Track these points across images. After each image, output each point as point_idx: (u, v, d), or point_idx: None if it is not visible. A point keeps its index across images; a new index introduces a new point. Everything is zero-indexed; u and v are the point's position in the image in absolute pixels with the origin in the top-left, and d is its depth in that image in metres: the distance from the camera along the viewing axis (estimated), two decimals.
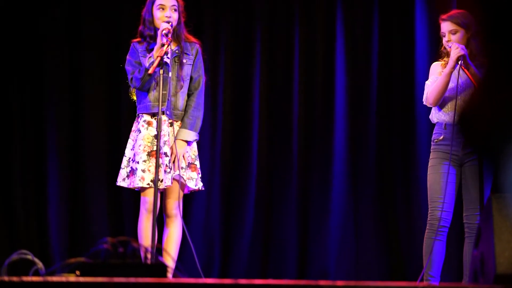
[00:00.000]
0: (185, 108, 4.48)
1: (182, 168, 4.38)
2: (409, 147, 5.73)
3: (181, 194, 4.42)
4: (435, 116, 4.55)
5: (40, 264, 2.77)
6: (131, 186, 4.39)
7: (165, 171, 4.28)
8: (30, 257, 2.80)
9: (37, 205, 5.71)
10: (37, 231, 5.69)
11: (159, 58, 4.10)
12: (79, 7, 5.84)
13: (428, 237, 4.42)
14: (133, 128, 4.50)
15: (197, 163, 4.49)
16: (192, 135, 4.44)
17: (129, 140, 4.48)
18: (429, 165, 4.50)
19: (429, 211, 4.44)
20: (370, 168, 5.79)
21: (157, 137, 4.06)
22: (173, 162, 4.37)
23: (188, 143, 4.45)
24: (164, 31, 4.23)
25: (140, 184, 4.30)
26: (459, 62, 4.32)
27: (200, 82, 4.53)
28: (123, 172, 4.44)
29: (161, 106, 4.18)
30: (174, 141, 4.38)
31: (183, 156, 4.41)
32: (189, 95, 4.51)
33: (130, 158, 4.43)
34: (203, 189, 4.56)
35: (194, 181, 4.45)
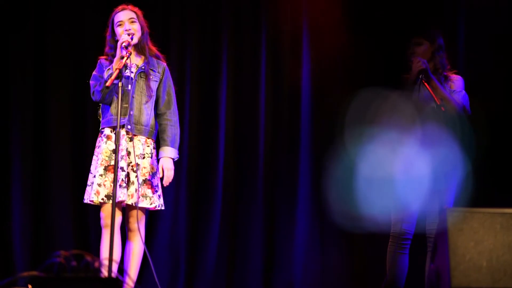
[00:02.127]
0: (161, 126, 4.49)
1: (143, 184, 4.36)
2: None
3: (143, 209, 4.38)
4: None
5: None
6: (86, 201, 4.36)
7: (120, 185, 4.22)
8: None
9: (0, 219, 5.65)
10: (0, 245, 5.62)
11: (117, 71, 4.05)
12: (44, 24, 5.80)
13: (391, 250, 4.41)
14: (96, 144, 4.46)
15: (154, 181, 4.43)
16: (174, 152, 4.45)
17: (94, 157, 4.44)
18: None
19: (392, 224, 4.44)
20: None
21: (116, 150, 4.01)
22: (161, 179, 4.38)
23: (143, 157, 4.40)
24: (123, 44, 4.22)
25: (95, 199, 4.26)
26: (420, 76, 4.34)
27: (171, 101, 4.53)
28: (89, 190, 4.40)
29: (121, 119, 4.16)
30: (159, 162, 4.40)
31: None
32: (161, 115, 4.50)
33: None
34: (163, 208, 4.50)
35: (148, 200, 4.39)
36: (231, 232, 5.83)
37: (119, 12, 4.46)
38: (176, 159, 4.49)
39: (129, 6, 4.48)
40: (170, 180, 4.43)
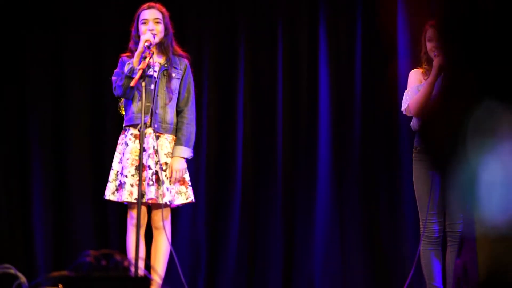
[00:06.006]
0: (177, 124, 4.48)
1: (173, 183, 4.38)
2: (392, 154, 5.75)
3: (168, 206, 4.41)
4: (417, 123, 4.52)
5: (23, 278, 2.77)
6: (120, 200, 4.36)
7: (148, 184, 4.26)
8: (12, 271, 2.79)
9: (22, 217, 5.68)
10: (22, 243, 5.65)
11: (141, 71, 4.08)
12: (62, 24, 5.82)
13: (425, 248, 4.41)
14: (119, 141, 4.48)
15: (186, 176, 4.47)
16: (188, 152, 4.45)
17: (116, 154, 4.46)
18: (414, 174, 4.46)
19: (422, 223, 4.42)
20: (354, 177, 5.80)
21: (140, 149, 4.04)
22: (170, 177, 4.37)
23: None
24: (146, 43, 4.23)
25: (129, 199, 4.28)
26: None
27: (189, 99, 4.53)
28: (111, 186, 4.41)
29: (144, 117, 4.20)
30: (171, 158, 4.39)
31: (182, 171, 4.41)
32: (179, 112, 4.51)
33: (118, 171, 4.40)
34: (194, 201, 4.55)
35: (184, 196, 4.43)
36: (251, 228, 5.84)
37: (145, 9, 4.47)
38: (190, 158, 4.50)
39: (157, 5, 4.49)
40: (177, 181, 4.42)
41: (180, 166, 4.40)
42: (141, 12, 4.48)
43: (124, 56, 4.52)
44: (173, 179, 4.37)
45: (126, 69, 4.30)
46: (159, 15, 4.46)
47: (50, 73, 5.79)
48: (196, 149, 5.70)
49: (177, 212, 5.69)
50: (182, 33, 5.79)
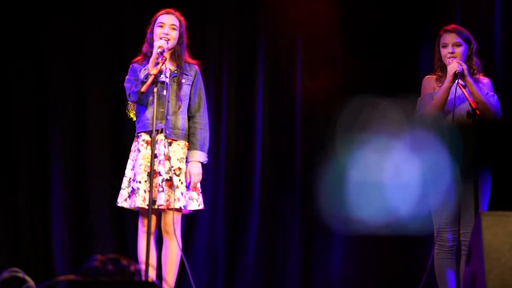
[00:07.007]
0: (190, 130, 4.51)
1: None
2: None
3: (179, 212, 4.43)
4: None
5: (31, 282, 2.80)
6: (132, 207, 4.40)
7: (158, 190, 4.29)
8: (21, 275, 2.82)
9: (42, 223, 5.73)
10: (43, 248, 5.70)
11: (152, 76, 4.12)
12: (83, 25, 5.87)
13: (439, 257, 4.42)
14: (132, 148, 4.52)
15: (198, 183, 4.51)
16: (203, 156, 4.48)
17: (129, 160, 4.50)
18: None
19: (436, 231, 4.43)
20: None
21: (151, 155, 4.08)
22: (188, 182, 4.41)
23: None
24: (159, 49, 4.28)
25: (143, 205, 4.31)
26: (457, 80, 4.31)
27: (201, 104, 4.57)
28: (124, 193, 4.45)
29: (159, 123, 4.25)
30: (186, 164, 4.42)
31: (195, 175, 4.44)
32: (191, 117, 4.54)
33: (130, 178, 4.44)
34: (203, 208, 4.56)
35: (196, 202, 4.46)
36: (269, 234, 5.83)
37: (164, 14, 4.53)
38: (205, 162, 4.53)
39: (176, 13, 4.55)
40: (196, 185, 4.46)
41: (197, 171, 4.44)
42: (159, 16, 4.53)
43: (134, 64, 4.57)
44: (192, 183, 4.41)
45: (142, 75, 4.35)
46: (176, 22, 4.51)
47: (71, 80, 5.84)
48: (215, 156, 5.74)
49: (195, 219, 5.70)
50: (203, 43, 5.84)
